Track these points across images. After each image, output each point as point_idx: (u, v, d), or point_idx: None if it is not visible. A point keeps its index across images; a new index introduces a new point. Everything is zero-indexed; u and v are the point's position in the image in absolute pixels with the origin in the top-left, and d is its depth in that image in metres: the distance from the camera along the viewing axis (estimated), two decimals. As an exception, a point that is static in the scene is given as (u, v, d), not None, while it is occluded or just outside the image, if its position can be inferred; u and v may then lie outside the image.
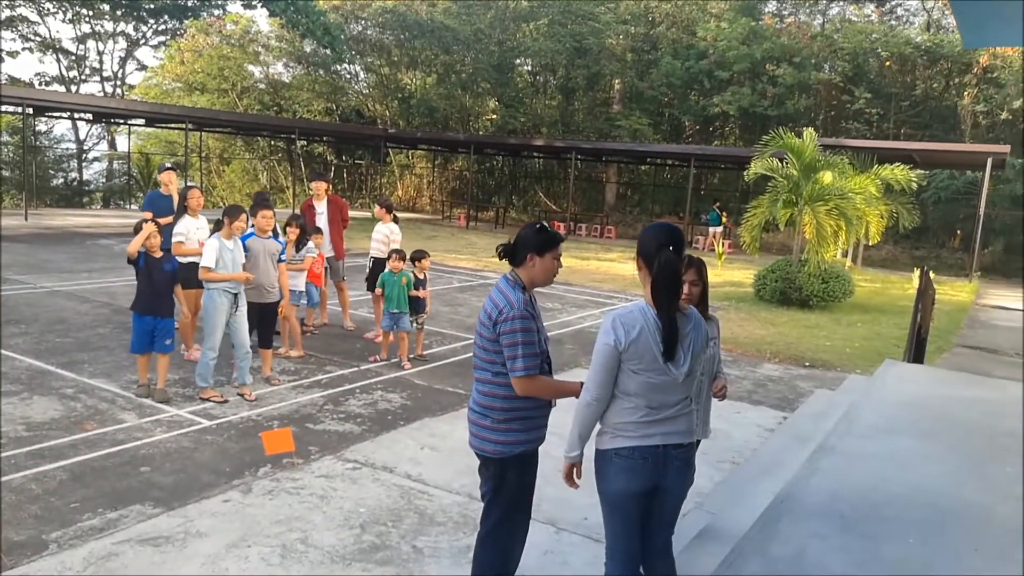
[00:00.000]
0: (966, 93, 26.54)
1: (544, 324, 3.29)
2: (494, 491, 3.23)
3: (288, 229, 7.78)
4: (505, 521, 3.25)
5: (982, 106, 25.78)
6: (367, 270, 8.96)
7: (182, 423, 5.70)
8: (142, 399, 6.13)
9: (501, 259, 3.20)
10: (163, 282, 6.21)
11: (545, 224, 3.21)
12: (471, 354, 6.93)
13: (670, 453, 2.86)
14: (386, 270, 7.73)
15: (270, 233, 6.90)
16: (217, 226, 6.52)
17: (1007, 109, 24.77)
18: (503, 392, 3.12)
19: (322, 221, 9.02)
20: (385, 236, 8.73)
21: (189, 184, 8.53)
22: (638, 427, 2.84)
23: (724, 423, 6.45)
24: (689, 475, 2.97)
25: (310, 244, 8.11)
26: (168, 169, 8.40)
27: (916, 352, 8.16)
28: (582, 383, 3.15)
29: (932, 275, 10.73)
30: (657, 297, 2.79)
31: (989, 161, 19.19)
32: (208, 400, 6.19)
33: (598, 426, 2.95)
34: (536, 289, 3.27)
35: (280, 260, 6.98)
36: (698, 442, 3.06)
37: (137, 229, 6.28)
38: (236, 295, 6.30)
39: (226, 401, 6.21)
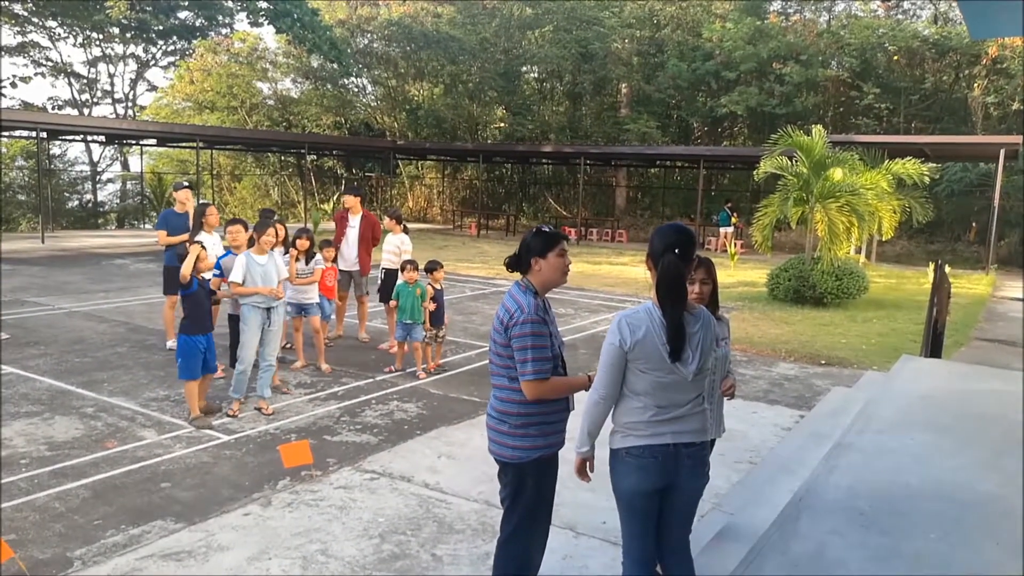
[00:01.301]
0: (976, 85, 26.33)
1: (559, 329, 3.31)
2: (513, 496, 3.24)
3: (297, 242, 7.86)
4: (524, 526, 3.26)
5: (993, 97, 25.57)
6: (379, 281, 9.00)
7: (201, 439, 5.75)
8: (202, 428, 5.94)
9: (510, 270, 3.24)
10: (209, 301, 6.29)
11: (543, 227, 3.25)
12: (485, 362, 6.94)
13: (681, 451, 2.87)
14: (400, 281, 7.77)
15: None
16: (250, 243, 6.62)
17: (1018, 99, 24.57)
18: (519, 397, 3.13)
19: (353, 235, 9.06)
20: (396, 247, 8.78)
21: (204, 202, 8.64)
22: (648, 426, 2.86)
23: (741, 423, 6.44)
24: (702, 473, 2.98)
25: (318, 256, 8.15)
26: (185, 188, 8.50)
27: (933, 347, 8.11)
28: (589, 376, 3.18)
29: (948, 269, 10.66)
30: (661, 297, 2.81)
31: (1002, 152, 19.03)
32: (228, 414, 6.25)
33: (612, 426, 2.97)
34: (550, 294, 3.30)
35: None
36: (713, 441, 3.06)
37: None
38: (268, 310, 6.39)
39: (235, 416, 6.24)
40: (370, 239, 9.17)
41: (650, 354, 2.81)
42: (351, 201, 9.26)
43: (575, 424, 3.36)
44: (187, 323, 6.05)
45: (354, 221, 9.14)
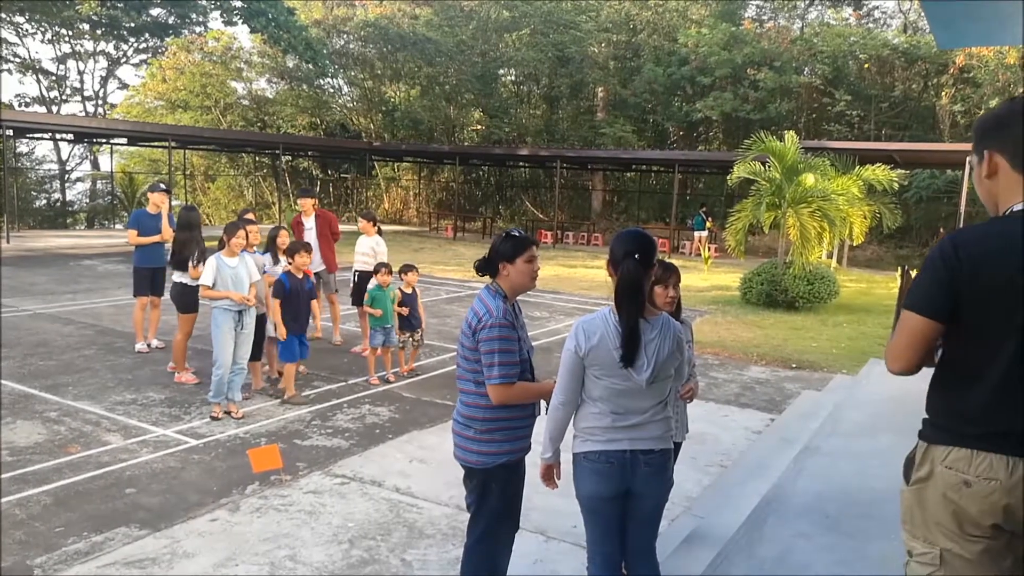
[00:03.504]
0: (944, 93, 26.82)
1: (528, 333, 3.31)
2: (479, 501, 3.23)
3: (276, 240, 7.75)
4: (491, 531, 3.24)
5: (960, 106, 26.04)
6: (351, 284, 8.94)
7: (168, 443, 5.67)
8: (297, 404, 6.73)
9: (480, 274, 3.22)
10: (306, 300, 6.88)
11: (513, 231, 3.23)
12: (457, 365, 6.83)
13: (638, 458, 2.85)
14: (373, 284, 7.69)
15: (253, 248, 6.96)
16: (220, 245, 6.56)
17: (984, 108, 25.04)
18: (485, 402, 3.12)
19: (311, 236, 9.02)
20: (371, 249, 8.73)
21: (189, 205, 8.60)
22: (605, 431, 2.86)
23: (712, 427, 6.48)
24: (664, 480, 2.95)
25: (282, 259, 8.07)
26: (162, 191, 8.40)
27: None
28: (555, 381, 3.18)
29: (913, 273, 10.83)
30: (618, 303, 2.80)
31: (968, 160, 19.36)
32: (212, 416, 6.21)
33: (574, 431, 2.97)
34: (522, 297, 3.29)
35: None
36: (679, 445, 3.06)
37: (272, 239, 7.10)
38: (240, 312, 6.34)
39: (219, 418, 6.20)
40: (329, 235, 9.18)
41: (603, 360, 2.79)
42: (305, 204, 9.31)
43: (543, 429, 3.36)
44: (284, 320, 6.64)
45: (309, 223, 9.15)
